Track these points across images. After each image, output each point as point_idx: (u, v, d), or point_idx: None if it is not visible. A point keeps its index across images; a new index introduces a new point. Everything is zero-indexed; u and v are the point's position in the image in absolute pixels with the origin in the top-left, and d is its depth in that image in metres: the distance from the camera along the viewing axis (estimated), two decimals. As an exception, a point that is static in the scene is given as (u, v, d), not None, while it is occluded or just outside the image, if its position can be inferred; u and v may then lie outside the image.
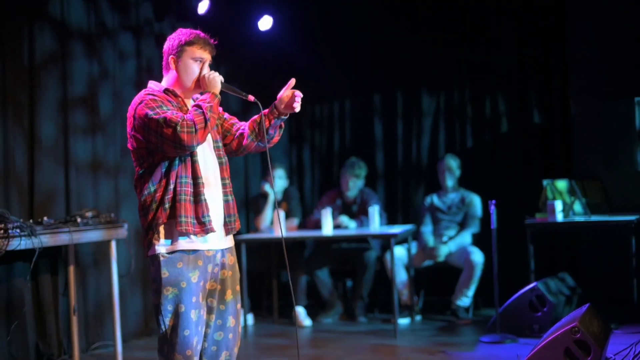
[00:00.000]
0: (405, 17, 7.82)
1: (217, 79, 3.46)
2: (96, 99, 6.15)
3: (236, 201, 3.64)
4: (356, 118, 8.25)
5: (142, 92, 3.47)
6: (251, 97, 3.55)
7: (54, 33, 5.80)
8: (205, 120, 3.29)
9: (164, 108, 3.33)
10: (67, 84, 5.89)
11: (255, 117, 3.65)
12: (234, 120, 3.73)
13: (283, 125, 3.68)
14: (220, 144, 3.60)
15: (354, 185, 7.22)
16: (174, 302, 3.36)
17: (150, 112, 3.30)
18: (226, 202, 3.55)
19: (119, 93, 6.34)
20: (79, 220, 5.29)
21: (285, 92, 3.55)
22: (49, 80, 5.76)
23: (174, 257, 3.37)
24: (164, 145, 3.30)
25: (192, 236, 3.39)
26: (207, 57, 3.50)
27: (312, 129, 8.47)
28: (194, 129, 3.26)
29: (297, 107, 3.55)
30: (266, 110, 3.61)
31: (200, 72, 3.49)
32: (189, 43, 3.47)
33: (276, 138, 3.70)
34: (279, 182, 7.35)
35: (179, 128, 3.23)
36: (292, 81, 3.56)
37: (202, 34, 3.52)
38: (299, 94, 3.54)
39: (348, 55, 8.10)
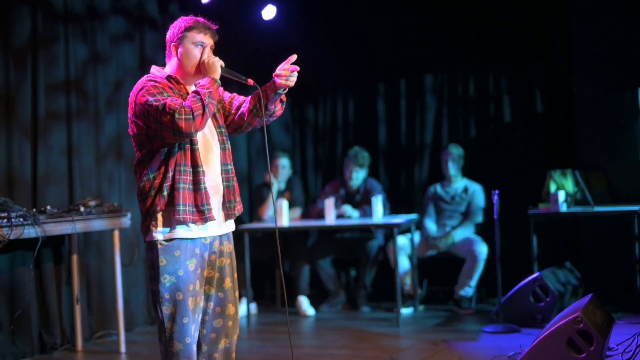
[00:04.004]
0: (408, 7, 7.79)
1: (216, 64, 3.45)
2: (97, 85, 6.14)
3: (238, 186, 3.64)
4: (360, 107, 8.23)
5: (144, 77, 3.47)
6: (251, 81, 3.53)
7: (53, 16, 5.78)
8: (204, 107, 3.28)
9: (165, 95, 3.33)
10: (69, 69, 5.89)
11: (256, 92, 3.62)
12: (235, 98, 3.70)
13: (284, 99, 3.65)
14: (224, 130, 3.60)
15: (357, 175, 7.21)
16: (171, 290, 3.37)
17: (151, 99, 3.30)
18: (227, 188, 3.55)
19: (120, 79, 6.33)
20: (82, 209, 5.30)
21: (283, 67, 3.53)
22: (49, 66, 5.74)
23: (172, 245, 3.38)
24: (163, 132, 3.30)
25: (190, 224, 3.40)
26: (208, 41, 3.50)
27: (316, 119, 8.46)
28: (191, 116, 3.25)
29: (290, 81, 3.51)
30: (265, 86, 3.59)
31: (200, 57, 3.48)
32: (189, 28, 3.48)
33: (278, 112, 3.66)
34: (282, 171, 7.34)
35: (176, 115, 3.23)
36: (293, 57, 3.54)
37: (202, 20, 3.52)
38: (294, 68, 3.51)
39: (351, 44, 8.07)
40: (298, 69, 3.51)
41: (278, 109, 3.65)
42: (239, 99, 3.69)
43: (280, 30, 7.61)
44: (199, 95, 3.31)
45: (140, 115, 3.35)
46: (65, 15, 5.87)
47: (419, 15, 7.79)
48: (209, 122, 3.51)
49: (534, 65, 7.36)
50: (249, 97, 3.64)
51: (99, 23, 6.17)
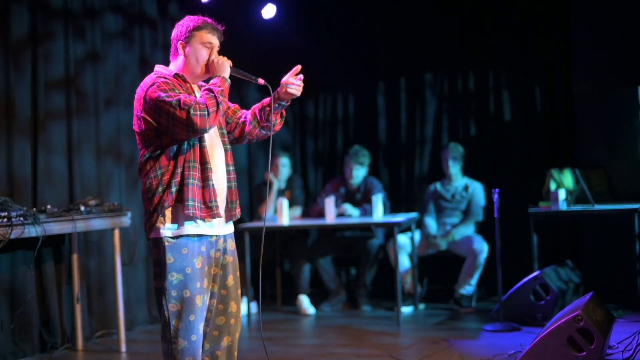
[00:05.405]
0: (407, 6, 7.79)
1: (225, 64, 3.48)
2: (97, 84, 6.13)
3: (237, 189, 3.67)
4: (360, 108, 8.23)
5: (152, 74, 3.49)
6: (261, 81, 3.57)
7: (52, 14, 5.77)
8: (217, 104, 3.32)
9: (176, 91, 3.35)
10: (69, 68, 5.88)
11: (257, 105, 3.69)
12: (237, 107, 3.77)
13: (284, 114, 3.71)
14: (225, 131, 3.63)
15: (357, 174, 7.21)
16: (178, 288, 3.38)
17: (163, 95, 3.32)
18: (229, 188, 3.58)
19: (119, 77, 6.32)
20: (82, 208, 5.30)
21: (289, 78, 3.57)
22: (48, 64, 5.73)
23: (179, 243, 3.39)
24: (175, 128, 3.31)
25: (198, 220, 3.41)
26: (215, 42, 3.52)
27: (316, 115, 8.44)
28: (206, 112, 3.28)
29: (294, 90, 3.56)
30: (268, 99, 3.63)
31: (209, 58, 3.50)
32: (198, 28, 3.49)
33: (277, 126, 3.71)
34: (282, 170, 7.34)
35: (192, 111, 3.25)
36: (298, 68, 3.57)
37: (209, 20, 3.55)
38: (299, 79, 3.55)
39: (351, 42, 8.07)
40: (301, 79, 3.56)
41: (278, 122, 3.70)
42: (241, 111, 3.75)
43: (280, 29, 7.61)
44: (212, 92, 3.35)
45: (150, 110, 3.37)
46: (64, 14, 5.86)
47: (419, 13, 7.78)
48: None
49: (534, 63, 7.35)
50: (251, 109, 3.70)
51: (98, 21, 6.16)
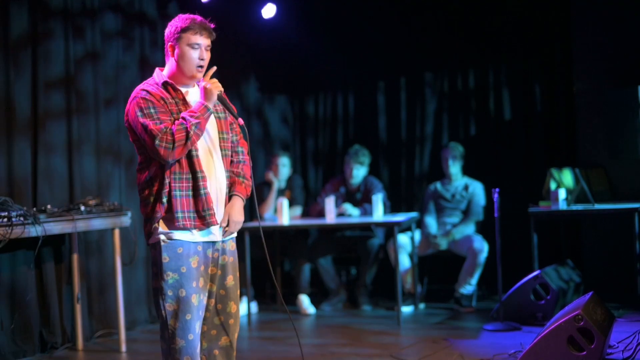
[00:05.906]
0: (407, 5, 7.79)
1: (214, 92, 3.43)
2: (97, 83, 6.12)
3: None
4: (360, 107, 8.23)
5: (140, 86, 3.48)
6: (241, 121, 3.57)
7: (51, 13, 5.77)
8: (187, 138, 3.29)
9: (151, 111, 3.35)
10: (69, 67, 5.87)
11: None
12: (239, 136, 3.72)
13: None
14: (226, 136, 3.59)
15: (357, 173, 7.20)
16: (174, 287, 3.39)
17: (139, 113, 3.35)
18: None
19: (119, 77, 6.31)
20: (82, 208, 5.30)
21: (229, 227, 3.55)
22: (48, 64, 5.72)
23: (174, 243, 3.40)
24: (146, 148, 3.37)
25: (193, 230, 3.41)
26: (204, 41, 3.47)
27: (316, 113, 8.43)
28: (171, 146, 3.27)
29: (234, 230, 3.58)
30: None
31: (207, 75, 3.47)
32: (185, 29, 3.46)
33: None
34: (283, 170, 7.34)
35: (157, 141, 3.26)
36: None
37: (198, 19, 3.51)
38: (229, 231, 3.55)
39: (351, 42, 8.06)
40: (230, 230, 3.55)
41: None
42: (240, 141, 3.71)
43: (280, 29, 7.60)
44: (186, 123, 3.31)
45: (131, 126, 3.42)
46: (64, 13, 5.85)
47: (419, 12, 7.78)
48: (212, 127, 3.51)
49: (534, 63, 7.35)
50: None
51: (98, 21, 6.15)
